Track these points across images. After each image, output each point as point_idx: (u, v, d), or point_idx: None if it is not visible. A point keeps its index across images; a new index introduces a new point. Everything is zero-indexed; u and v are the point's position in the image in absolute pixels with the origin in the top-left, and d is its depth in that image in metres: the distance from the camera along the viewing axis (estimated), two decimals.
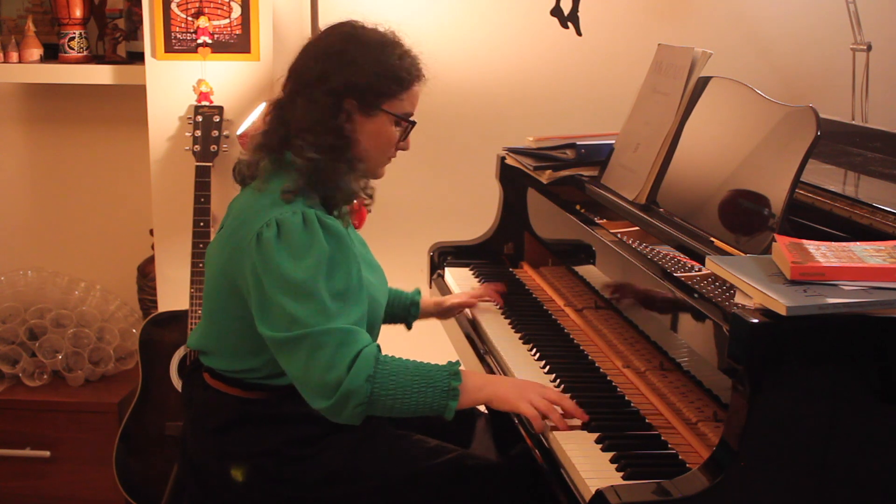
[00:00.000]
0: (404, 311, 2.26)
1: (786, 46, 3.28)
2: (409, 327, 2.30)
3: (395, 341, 2.14)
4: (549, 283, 2.48)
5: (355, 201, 1.92)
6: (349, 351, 1.69)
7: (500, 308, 2.32)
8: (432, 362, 1.78)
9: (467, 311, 2.34)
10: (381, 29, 1.89)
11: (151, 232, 3.13)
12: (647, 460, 1.59)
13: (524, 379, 1.87)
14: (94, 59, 3.17)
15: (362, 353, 1.70)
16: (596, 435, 1.67)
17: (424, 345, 2.44)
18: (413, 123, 1.91)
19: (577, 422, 1.71)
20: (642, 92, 2.31)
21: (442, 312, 2.34)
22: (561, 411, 1.72)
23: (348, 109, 1.83)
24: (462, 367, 1.77)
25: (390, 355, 1.76)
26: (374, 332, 1.94)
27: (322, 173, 1.80)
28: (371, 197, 1.95)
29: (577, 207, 2.35)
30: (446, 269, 2.66)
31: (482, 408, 2.14)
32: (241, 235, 1.79)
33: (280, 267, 1.71)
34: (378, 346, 1.75)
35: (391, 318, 2.24)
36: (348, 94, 1.82)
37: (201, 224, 2.83)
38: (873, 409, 1.43)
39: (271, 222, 1.74)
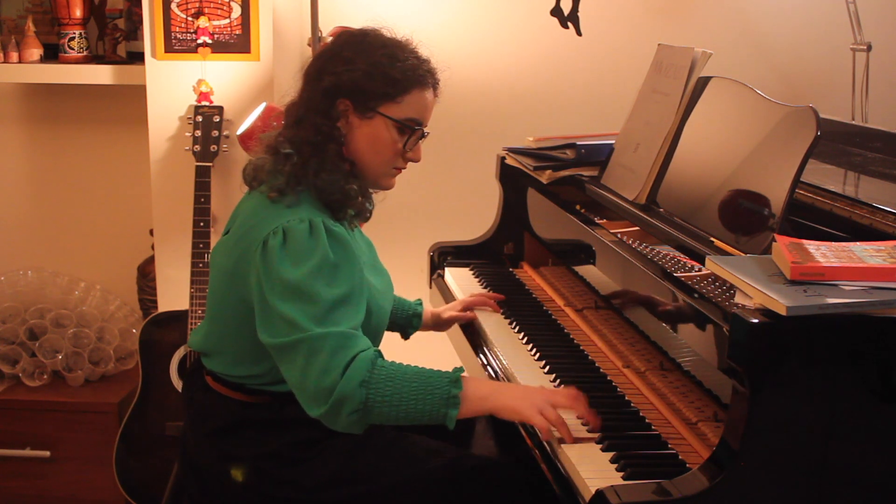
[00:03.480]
0: (405, 321, 2.24)
1: (786, 46, 3.28)
2: (405, 337, 2.27)
3: (394, 346, 2.14)
4: (549, 283, 2.48)
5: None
6: (345, 355, 1.66)
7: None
8: (436, 368, 1.73)
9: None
10: (394, 35, 1.86)
11: (151, 232, 3.13)
12: (647, 460, 1.59)
13: (529, 385, 1.85)
14: (94, 59, 3.18)
15: (358, 357, 1.66)
16: (596, 435, 1.67)
17: (425, 348, 2.44)
18: (416, 130, 1.86)
19: (585, 433, 1.67)
20: (642, 92, 2.31)
21: (438, 325, 2.32)
22: (576, 416, 1.70)
23: (343, 109, 1.82)
24: (465, 374, 1.72)
25: (390, 360, 1.72)
26: (377, 338, 1.92)
27: (299, 169, 1.78)
28: (370, 209, 1.90)
29: (577, 207, 2.35)
30: (446, 269, 2.66)
31: None
32: (248, 241, 1.78)
33: (279, 272, 1.70)
34: (377, 352, 1.72)
35: (390, 326, 2.20)
36: (340, 93, 1.81)
37: (201, 224, 2.83)
38: (873, 409, 1.43)
39: (278, 230, 1.73)
